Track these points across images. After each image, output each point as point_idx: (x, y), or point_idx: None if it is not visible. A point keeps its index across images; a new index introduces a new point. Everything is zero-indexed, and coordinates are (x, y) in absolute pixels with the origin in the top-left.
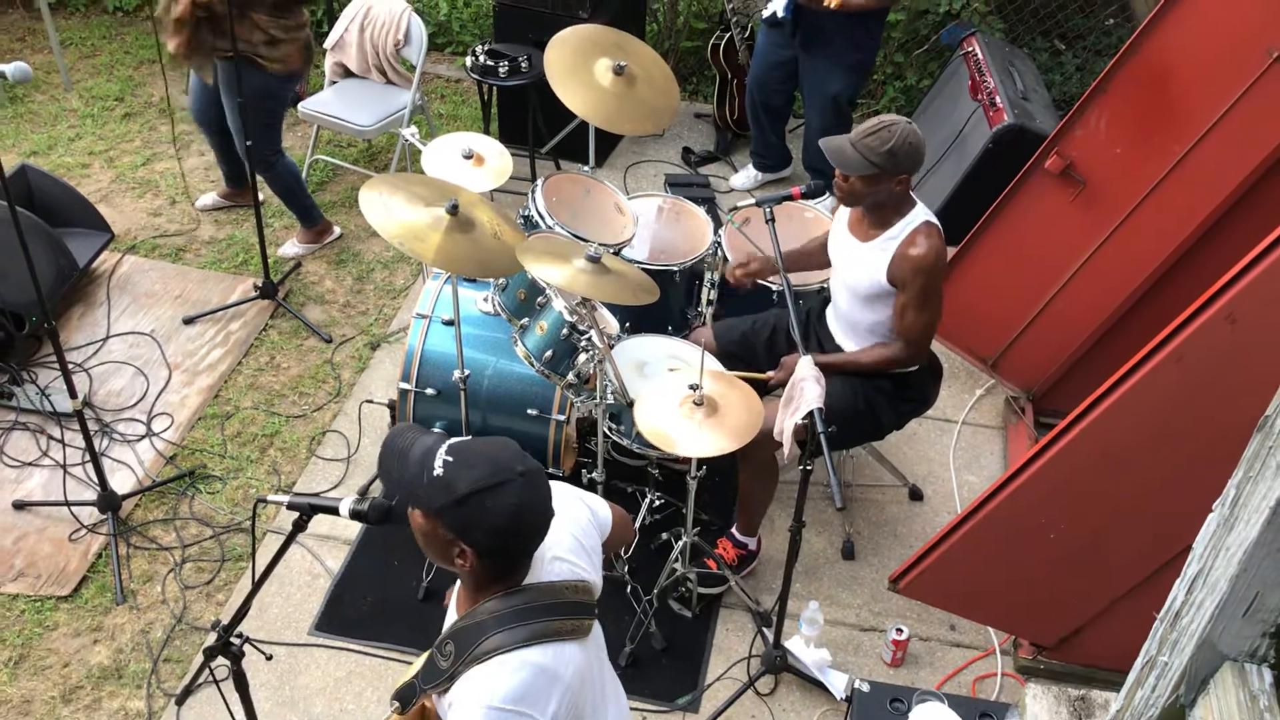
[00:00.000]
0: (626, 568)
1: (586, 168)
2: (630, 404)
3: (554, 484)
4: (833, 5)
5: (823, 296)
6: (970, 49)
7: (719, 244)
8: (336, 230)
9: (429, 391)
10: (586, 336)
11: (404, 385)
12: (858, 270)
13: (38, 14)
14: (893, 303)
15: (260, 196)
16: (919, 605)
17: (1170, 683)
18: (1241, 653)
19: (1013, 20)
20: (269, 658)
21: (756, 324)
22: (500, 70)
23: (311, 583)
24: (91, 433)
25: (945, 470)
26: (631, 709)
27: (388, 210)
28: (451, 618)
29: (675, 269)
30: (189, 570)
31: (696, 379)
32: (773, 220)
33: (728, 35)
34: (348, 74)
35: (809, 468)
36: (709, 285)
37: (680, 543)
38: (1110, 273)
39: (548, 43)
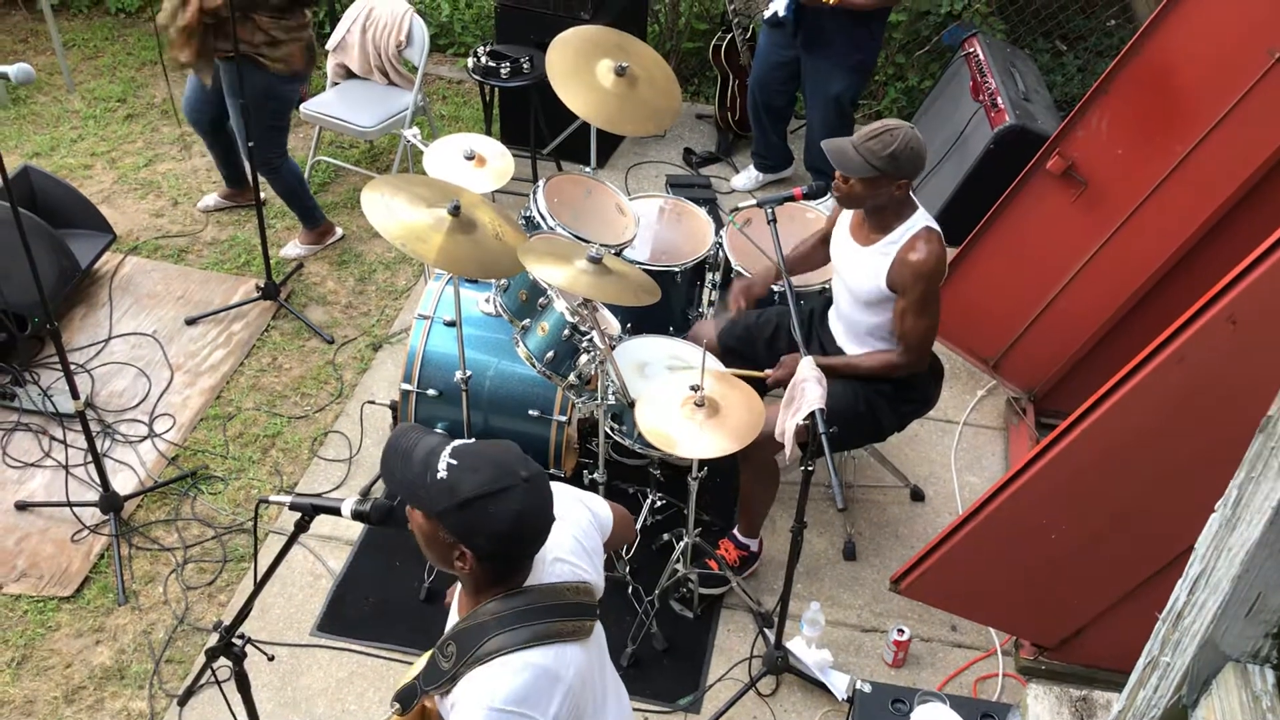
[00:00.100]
0: (628, 568)
1: (588, 169)
2: (632, 404)
3: (554, 486)
4: (832, 2)
5: (825, 297)
6: (971, 50)
7: (720, 245)
8: (338, 231)
9: (431, 392)
10: (588, 337)
11: (406, 386)
12: (858, 274)
13: (40, 15)
14: (893, 307)
15: (262, 197)
16: (920, 606)
17: (1172, 683)
18: (1244, 653)
19: (1014, 21)
20: (271, 658)
21: (760, 320)
22: (502, 71)
23: (313, 583)
24: (93, 433)
25: (947, 471)
26: (633, 709)
27: (389, 211)
28: (453, 619)
29: (677, 270)
30: (191, 571)
31: (697, 379)
32: (774, 221)
33: (729, 36)
34: (350, 75)
35: (810, 468)
36: (710, 286)
37: (682, 543)
38: (1112, 273)
39: (549, 44)
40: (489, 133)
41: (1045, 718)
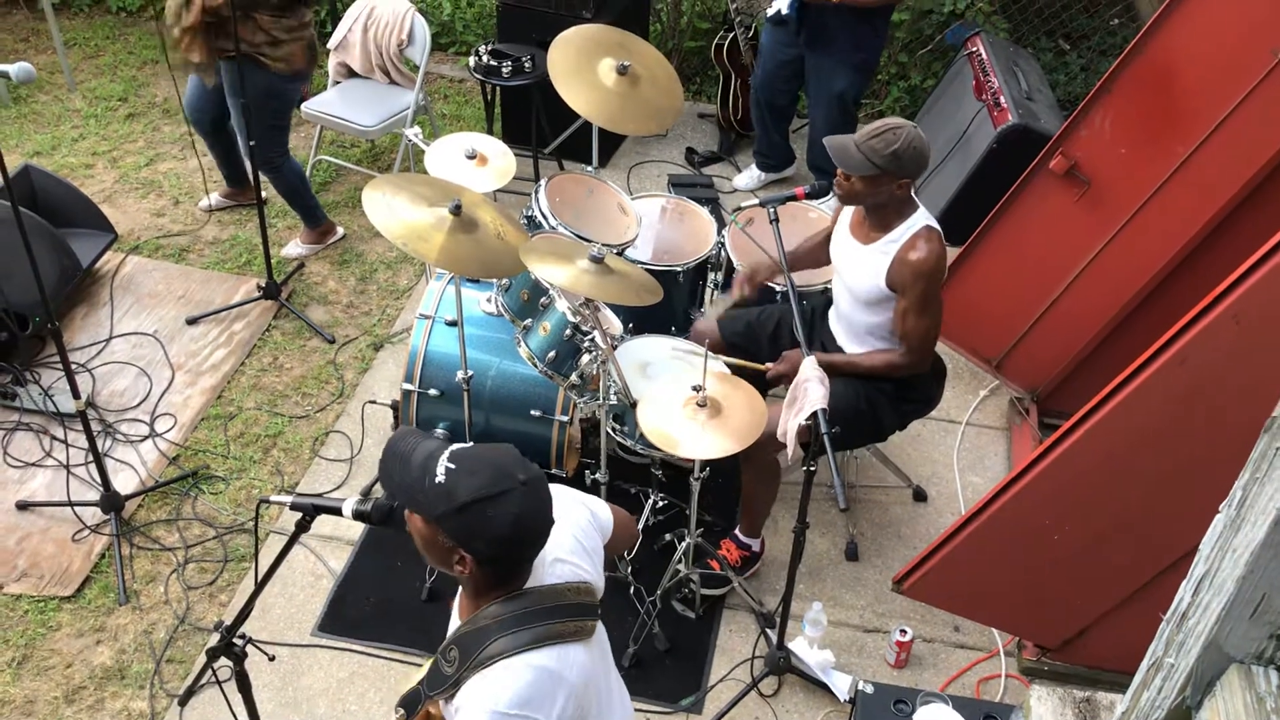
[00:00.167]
0: (630, 569)
1: (590, 168)
2: (633, 405)
3: (554, 487)
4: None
5: (826, 297)
6: (974, 49)
7: (722, 244)
8: (340, 231)
9: (432, 392)
10: (590, 337)
11: (407, 386)
12: (858, 273)
13: (41, 14)
14: (893, 306)
15: (263, 196)
16: (923, 606)
17: (1176, 685)
18: (1248, 655)
19: (1017, 20)
20: (272, 658)
21: (762, 315)
22: (504, 70)
23: (314, 583)
24: (94, 433)
25: (949, 471)
26: (635, 710)
27: (391, 210)
28: (454, 623)
29: (679, 269)
30: (192, 571)
31: (699, 378)
32: (777, 220)
33: (731, 35)
34: (351, 74)
35: (813, 468)
36: (712, 285)
37: (683, 544)
38: (1115, 273)
39: (551, 43)
40: (490, 132)
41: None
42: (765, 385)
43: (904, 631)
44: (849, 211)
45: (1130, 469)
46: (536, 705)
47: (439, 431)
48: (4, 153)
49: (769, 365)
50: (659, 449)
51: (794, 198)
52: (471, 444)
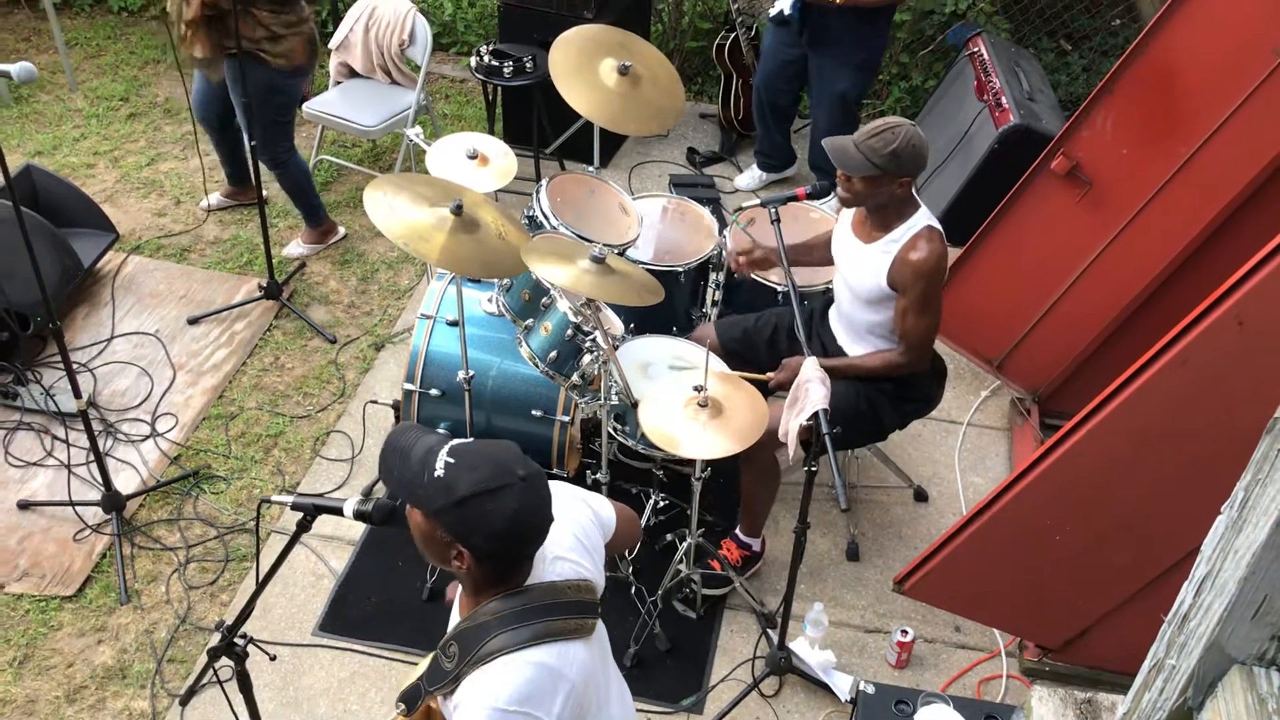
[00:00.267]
0: (631, 569)
1: (591, 168)
2: (635, 405)
3: (555, 484)
4: (839, 1)
5: (827, 297)
6: (976, 49)
7: (724, 245)
8: (341, 230)
9: (433, 392)
10: (591, 337)
11: (408, 386)
12: (859, 272)
13: (43, 14)
14: (894, 305)
15: (265, 195)
16: (924, 607)
17: (1178, 686)
18: (1250, 656)
19: (1018, 20)
20: (273, 658)
21: (759, 321)
22: (505, 70)
23: (315, 583)
24: (96, 433)
25: (950, 471)
26: (636, 710)
27: (392, 210)
28: (455, 619)
29: (680, 270)
30: (193, 570)
31: (700, 380)
32: (778, 220)
33: (733, 35)
34: (352, 74)
35: (814, 469)
36: (714, 286)
37: (684, 544)
38: (1117, 274)
39: (552, 43)
40: (492, 132)
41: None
42: (767, 394)
43: (905, 632)
44: (850, 210)
45: (1132, 470)
46: (536, 702)
47: (440, 430)
48: (6, 152)
49: (770, 375)
50: (660, 449)
51: (795, 198)
52: (471, 439)
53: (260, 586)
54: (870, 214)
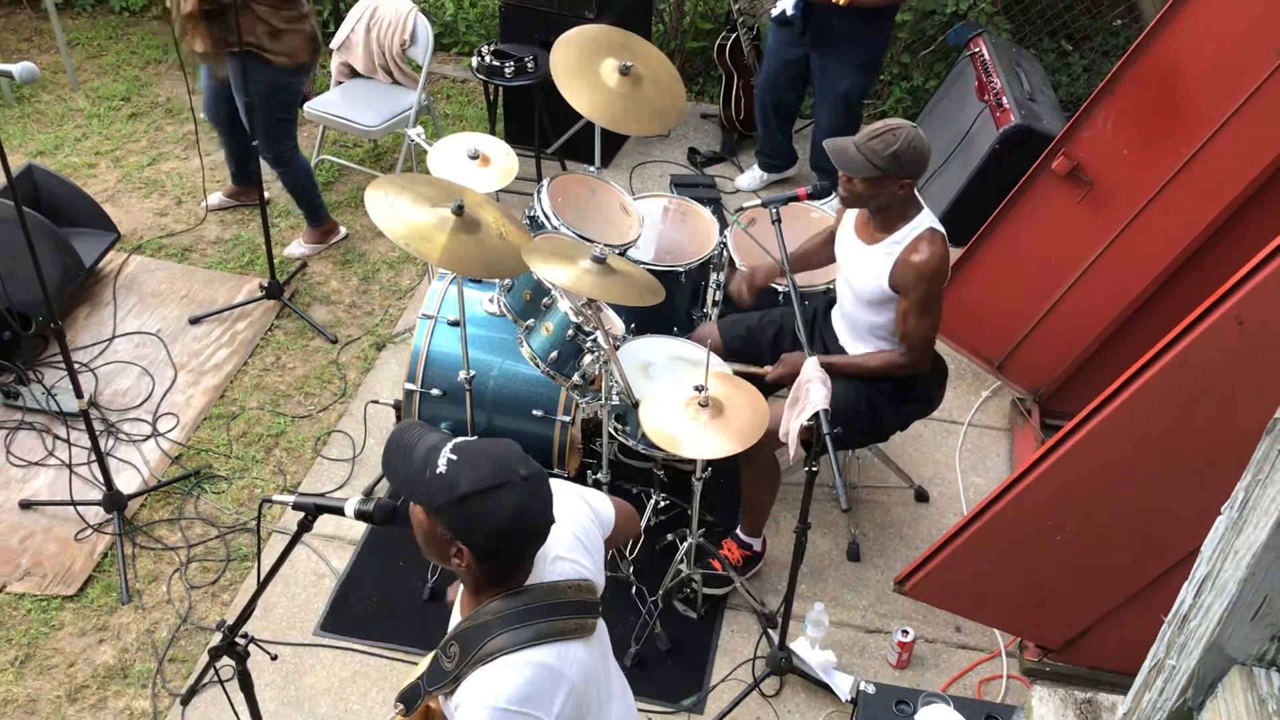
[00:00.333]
0: (632, 569)
1: (592, 168)
2: (635, 405)
3: (554, 482)
4: (842, 2)
5: (829, 297)
6: (977, 49)
7: (725, 245)
8: (342, 230)
9: (434, 392)
10: (592, 337)
11: (409, 386)
12: (862, 273)
13: (45, 14)
14: (895, 307)
15: (266, 195)
16: (924, 607)
17: (1178, 686)
18: (1250, 656)
19: (1019, 21)
20: (274, 658)
21: (763, 320)
22: (506, 70)
23: (317, 583)
24: (97, 432)
25: (951, 472)
26: (637, 709)
27: (393, 211)
28: (455, 619)
29: (681, 270)
30: (194, 570)
31: (701, 379)
32: (779, 221)
33: (734, 35)
34: (354, 74)
35: (815, 469)
36: (714, 286)
37: (685, 544)
38: (1117, 274)
39: (553, 43)
40: (493, 132)
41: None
42: (766, 389)
43: (906, 632)
44: (853, 211)
45: (1132, 470)
46: (536, 702)
47: (442, 429)
48: (7, 152)
49: (768, 368)
50: (661, 449)
51: (796, 198)
52: (474, 438)
53: (261, 586)
54: (872, 215)
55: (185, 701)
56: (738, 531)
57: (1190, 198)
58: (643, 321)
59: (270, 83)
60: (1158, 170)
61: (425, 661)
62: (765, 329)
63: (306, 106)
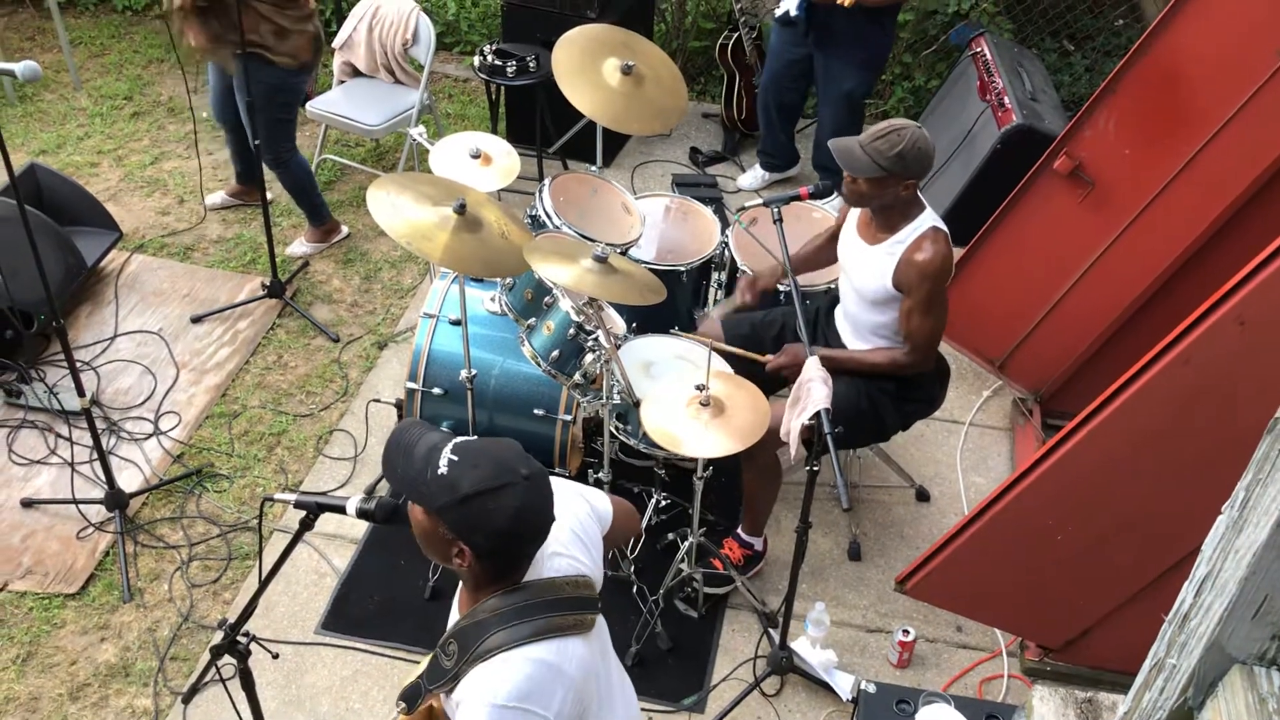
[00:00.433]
0: (632, 568)
1: (594, 167)
2: (637, 404)
3: (552, 480)
4: (846, 3)
5: (831, 296)
6: (979, 49)
7: (726, 244)
8: (344, 229)
9: (436, 391)
10: (593, 336)
11: (411, 385)
12: (864, 273)
13: (47, 13)
14: (899, 306)
15: (269, 195)
16: (925, 606)
17: (1178, 685)
18: (1250, 655)
19: (1021, 21)
20: (275, 656)
21: (767, 317)
22: (508, 70)
23: (318, 582)
24: (99, 431)
25: (952, 471)
26: (639, 707)
27: (395, 209)
28: (454, 617)
29: (682, 269)
30: (196, 569)
31: (702, 377)
32: (780, 220)
33: (736, 35)
34: (356, 73)
35: (816, 468)
36: (716, 285)
37: (686, 543)
38: (1119, 274)
39: (555, 42)
40: (495, 131)
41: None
42: (765, 379)
43: (906, 631)
44: (856, 211)
45: (1133, 470)
46: (536, 699)
47: (442, 429)
48: (10, 151)
49: (769, 357)
50: (662, 448)
51: (798, 197)
52: (475, 437)
53: (263, 585)
54: (875, 215)
55: (187, 700)
56: (739, 531)
57: (1192, 197)
58: (644, 321)
59: (273, 83)
60: (1159, 170)
61: (427, 660)
62: (770, 325)
63: (309, 105)
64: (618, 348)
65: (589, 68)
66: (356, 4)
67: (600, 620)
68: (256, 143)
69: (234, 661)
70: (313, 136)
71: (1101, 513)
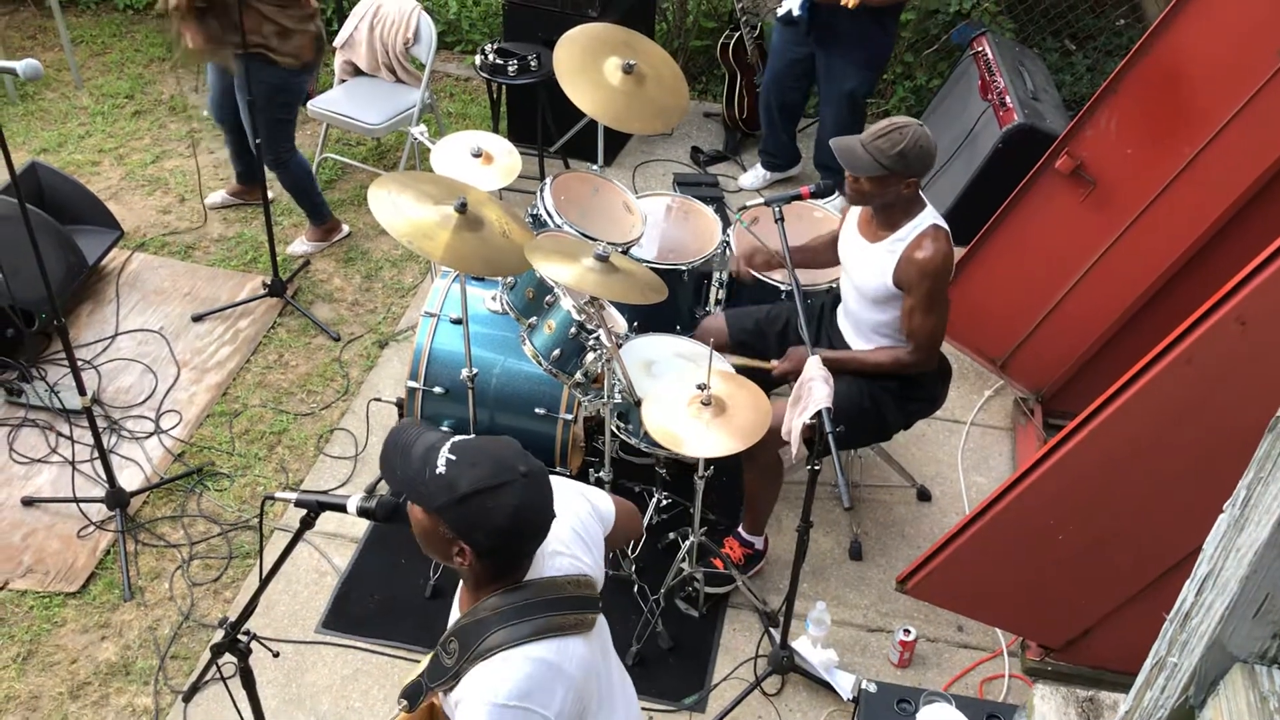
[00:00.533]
0: (633, 567)
1: (595, 166)
2: (638, 403)
3: (554, 479)
4: (850, 4)
5: (833, 295)
6: (980, 49)
7: (728, 243)
8: (345, 228)
9: (437, 390)
10: (594, 335)
11: (412, 383)
12: (865, 271)
13: (49, 12)
14: (900, 304)
15: (270, 194)
16: (926, 606)
17: (1179, 684)
18: (1251, 654)
19: (1023, 20)
20: (276, 655)
21: (771, 313)
22: (509, 69)
23: (319, 580)
24: (100, 430)
25: (953, 471)
26: (639, 707)
27: (396, 208)
28: (455, 615)
29: (683, 268)
30: (196, 567)
31: (704, 377)
32: (781, 219)
33: (737, 34)
34: (357, 72)
35: (817, 468)
36: (717, 284)
37: (687, 542)
38: (1120, 274)
39: (557, 41)
40: (496, 130)
41: (1051, 718)
42: (771, 383)
43: (907, 631)
44: (856, 209)
45: (1134, 469)
46: (536, 698)
47: (443, 427)
48: (11, 150)
49: (774, 363)
50: (663, 447)
51: (799, 197)
52: (473, 436)
53: (263, 583)
54: (876, 213)
55: (187, 699)
56: (740, 530)
57: (1193, 197)
58: (645, 320)
59: (275, 83)
60: (1161, 170)
61: (427, 659)
62: (774, 321)
63: (310, 104)
64: (619, 347)
65: (590, 67)
66: (358, 3)
67: (601, 619)
68: (257, 142)
69: (234, 660)
70: (314, 135)
71: (1103, 512)
